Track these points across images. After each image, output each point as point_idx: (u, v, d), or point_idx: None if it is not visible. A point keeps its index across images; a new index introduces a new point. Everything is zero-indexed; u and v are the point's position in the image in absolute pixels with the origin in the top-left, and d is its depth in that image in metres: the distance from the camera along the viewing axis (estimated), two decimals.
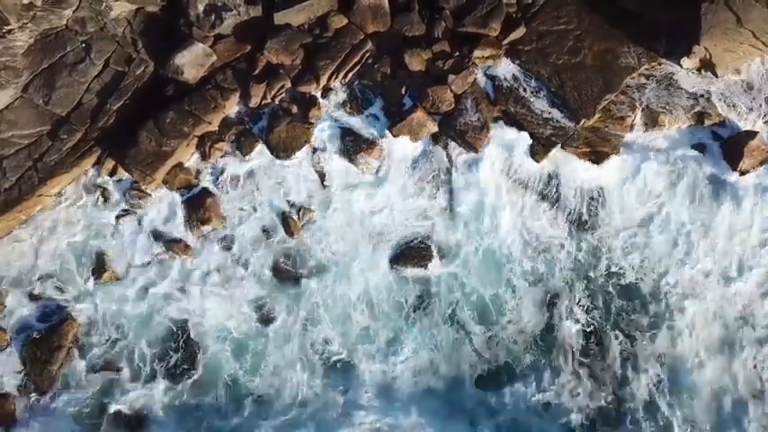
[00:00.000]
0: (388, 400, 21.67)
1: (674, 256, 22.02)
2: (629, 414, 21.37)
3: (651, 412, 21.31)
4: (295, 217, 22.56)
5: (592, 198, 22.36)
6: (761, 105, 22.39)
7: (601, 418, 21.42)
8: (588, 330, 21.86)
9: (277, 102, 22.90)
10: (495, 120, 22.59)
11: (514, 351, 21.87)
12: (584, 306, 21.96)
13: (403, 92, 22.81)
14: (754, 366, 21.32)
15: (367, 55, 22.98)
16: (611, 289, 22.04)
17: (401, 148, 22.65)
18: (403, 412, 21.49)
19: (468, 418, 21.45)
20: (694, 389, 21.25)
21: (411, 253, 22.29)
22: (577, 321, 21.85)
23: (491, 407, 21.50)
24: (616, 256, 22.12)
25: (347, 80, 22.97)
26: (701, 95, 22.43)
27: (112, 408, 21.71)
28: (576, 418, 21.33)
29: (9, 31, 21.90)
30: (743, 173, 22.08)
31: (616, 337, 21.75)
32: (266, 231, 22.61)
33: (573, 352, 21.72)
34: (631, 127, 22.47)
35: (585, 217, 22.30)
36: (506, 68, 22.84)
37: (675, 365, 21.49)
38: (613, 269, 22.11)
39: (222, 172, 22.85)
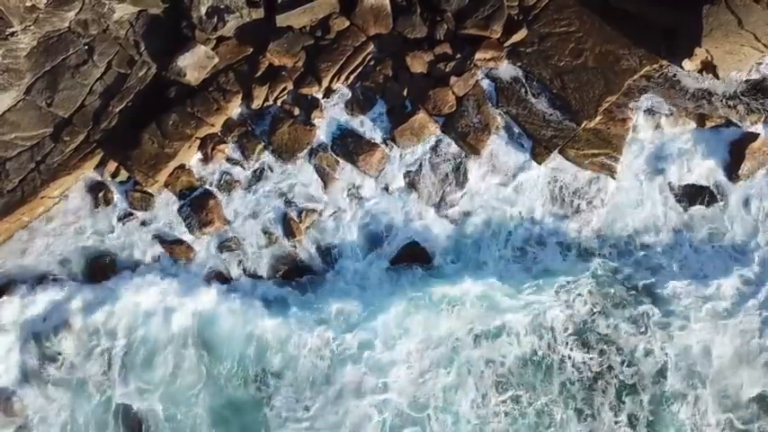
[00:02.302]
0: None
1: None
2: None
3: None
4: (297, 219, 22.60)
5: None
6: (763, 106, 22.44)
7: None
8: None
9: (279, 104, 22.94)
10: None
11: None
12: None
13: (404, 94, 22.85)
14: None
15: (369, 57, 23.02)
16: None
17: (403, 149, 22.73)
18: None
19: None
20: None
21: (412, 255, 22.31)
22: None
23: None
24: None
25: (349, 82, 23.01)
26: (703, 97, 22.48)
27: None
28: None
29: (12, 34, 21.95)
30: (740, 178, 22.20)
31: None
32: (268, 233, 22.63)
33: None
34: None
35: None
36: (508, 70, 22.91)
37: None
38: None
39: (224, 174, 22.90)
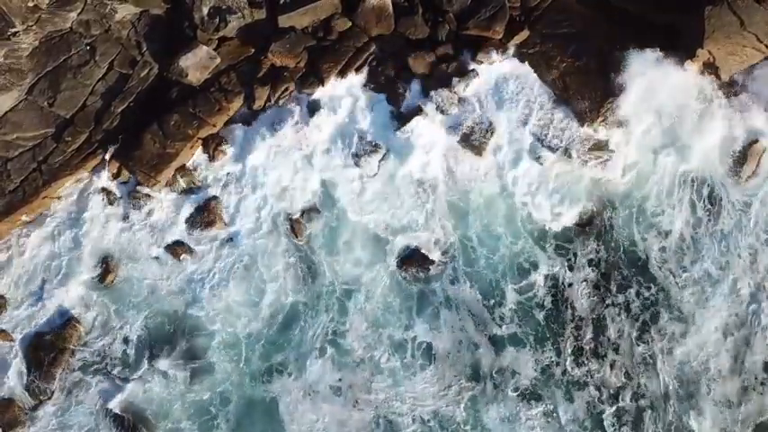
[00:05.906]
0: None
1: None
2: None
3: None
4: (300, 219, 22.58)
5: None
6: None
7: None
8: None
9: (281, 104, 22.97)
10: None
11: None
12: None
13: (407, 94, 22.85)
14: None
15: (371, 57, 23.04)
16: None
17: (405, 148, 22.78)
18: None
19: None
20: None
21: (415, 255, 22.43)
22: None
23: None
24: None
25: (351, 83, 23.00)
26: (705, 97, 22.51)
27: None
28: None
29: (14, 34, 21.95)
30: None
31: None
32: (271, 233, 22.61)
33: None
34: None
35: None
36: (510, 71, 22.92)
37: None
38: None
39: (226, 174, 22.86)
